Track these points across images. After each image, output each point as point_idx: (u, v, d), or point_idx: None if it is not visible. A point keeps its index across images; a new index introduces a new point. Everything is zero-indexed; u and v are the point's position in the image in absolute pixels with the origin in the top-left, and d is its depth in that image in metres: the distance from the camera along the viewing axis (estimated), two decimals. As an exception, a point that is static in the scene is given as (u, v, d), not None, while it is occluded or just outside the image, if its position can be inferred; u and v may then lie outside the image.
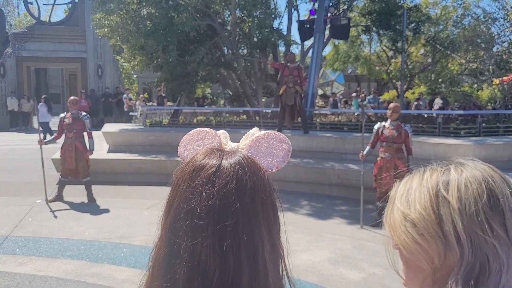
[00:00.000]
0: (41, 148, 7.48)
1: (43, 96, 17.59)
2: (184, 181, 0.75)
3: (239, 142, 0.85)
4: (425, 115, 11.09)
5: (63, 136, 7.59)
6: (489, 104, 13.75)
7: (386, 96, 21.92)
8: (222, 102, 18.76)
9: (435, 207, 0.74)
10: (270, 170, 0.81)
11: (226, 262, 0.70)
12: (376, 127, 6.63)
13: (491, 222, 0.71)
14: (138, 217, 6.72)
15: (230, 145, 0.83)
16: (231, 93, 14.43)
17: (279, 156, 0.83)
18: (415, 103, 16.22)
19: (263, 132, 0.85)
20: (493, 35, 11.45)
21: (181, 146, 0.87)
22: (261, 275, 0.72)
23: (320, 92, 22.58)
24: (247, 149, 0.82)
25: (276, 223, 0.77)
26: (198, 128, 0.88)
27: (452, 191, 0.74)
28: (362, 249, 5.54)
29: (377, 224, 6.38)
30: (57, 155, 8.26)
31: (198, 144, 0.85)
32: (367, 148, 6.61)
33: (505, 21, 11.04)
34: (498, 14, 11.43)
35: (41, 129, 15.05)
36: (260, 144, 0.83)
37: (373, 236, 6.00)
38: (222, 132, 0.87)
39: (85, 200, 7.57)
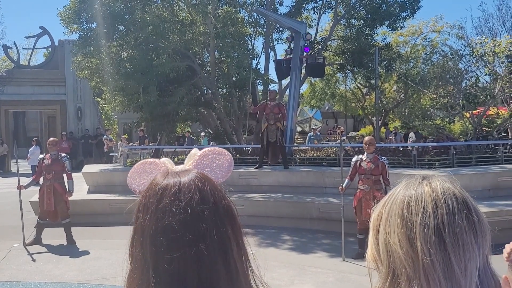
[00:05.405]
0: (19, 192, 7.37)
1: (34, 139, 17.15)
2: (152, 204, 0.81)
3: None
4: (401, 148, 11.43)
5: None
6: (461, 136, 14.23)
7: (363, 131, 22.45)
8: (202, 140, 18.85)
9: (381, 215, 0.91)
10: (218, 181, 0.91)
11: (204, 263, 0.79)
12: (354, 160, 6.81)
13: (400, 234, 0.84)
14: (119, 257, 6.52)
15: (176, 168, 0.90)
16: (211, 131, 14.58)
17: (224, 167, 0.94)
18: (390, 137, 16.68)
19: (203, 149, 0.95)
20: (461, 70, 12.03)
21: (131, 180, 0.91)
22: (233, 271, 0.81)
23: (298, 129, 22.99)
24: (193, 167, 0.90)
25: (237, 223, 0.86)
26: (142, 161, 0.94)
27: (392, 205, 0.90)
28: (345, 281, 5.57)
29: (359, 256, 6.44)
30: (36, 197, 8.13)
31: (147, 175, 0.91)
32: (346, 181, 6.76)
33: (471, 57, 11.64)
34: (464, 51, 12.08)
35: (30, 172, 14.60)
36: (204, 161, 0.93)
37: (355, 269, 6.03)
38: (166, 160, 0.95)
39: (64, 242, 7.41)
